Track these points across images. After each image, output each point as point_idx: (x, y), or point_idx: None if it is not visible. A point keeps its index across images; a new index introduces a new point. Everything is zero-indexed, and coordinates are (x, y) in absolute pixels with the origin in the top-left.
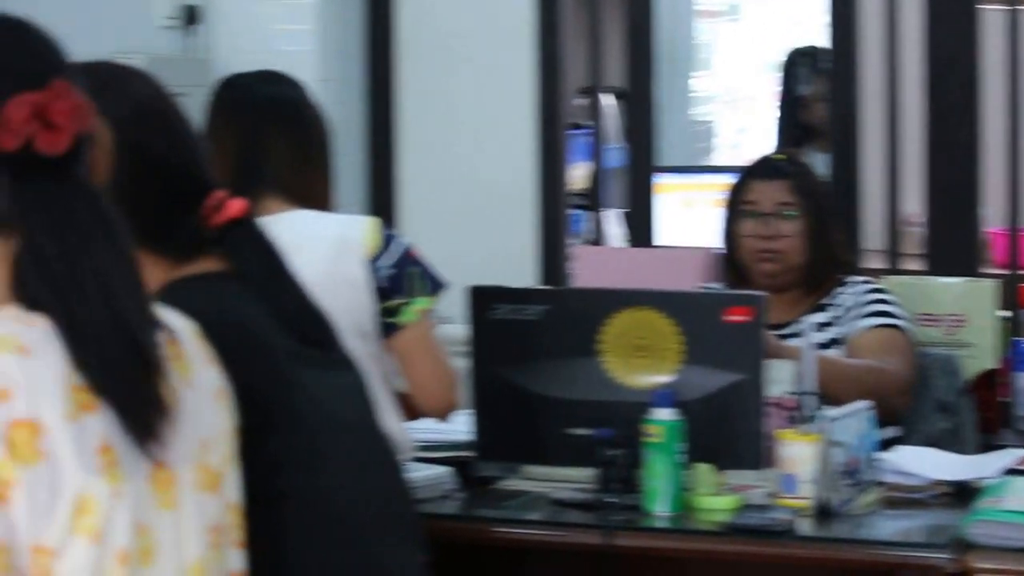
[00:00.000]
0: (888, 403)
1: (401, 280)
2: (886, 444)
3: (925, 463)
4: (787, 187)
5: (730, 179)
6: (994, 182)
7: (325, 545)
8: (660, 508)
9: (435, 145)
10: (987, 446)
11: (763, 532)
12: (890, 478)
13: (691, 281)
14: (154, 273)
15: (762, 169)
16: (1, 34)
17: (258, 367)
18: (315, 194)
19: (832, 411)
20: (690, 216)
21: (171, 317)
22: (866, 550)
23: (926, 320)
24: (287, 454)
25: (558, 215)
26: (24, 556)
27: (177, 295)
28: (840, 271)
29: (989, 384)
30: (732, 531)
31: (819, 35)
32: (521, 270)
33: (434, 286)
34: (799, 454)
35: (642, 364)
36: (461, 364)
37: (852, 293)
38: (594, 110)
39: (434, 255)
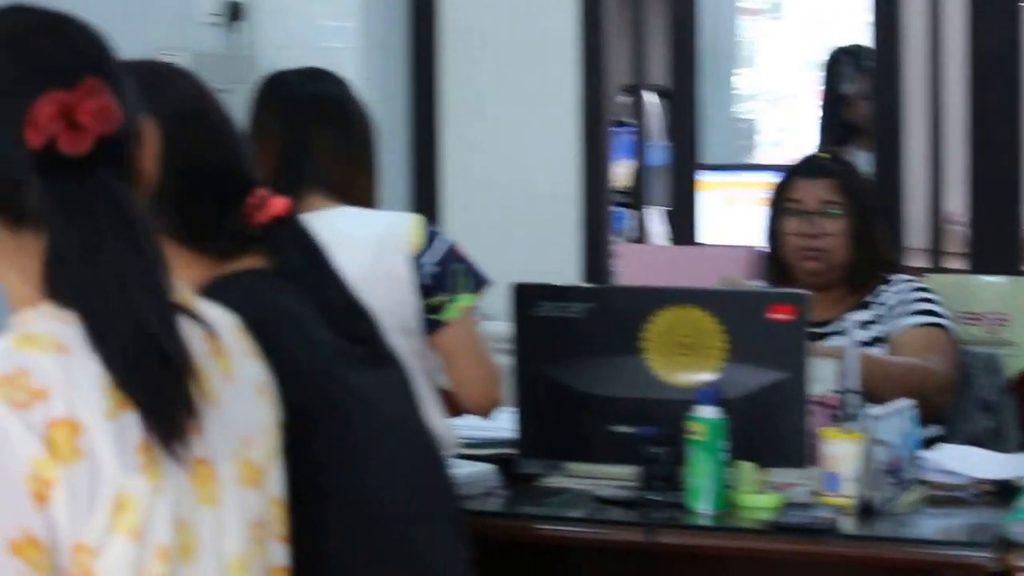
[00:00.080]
0: (931, 401)
1: (445, 277)
2: (928, 443)
3: (967, 462)
4: (832, 186)
5: (772, 177)
6: None
7: (367, 544)
8: (703, 506)
9: (478, 142)
10: None
11: (806, 530)
12: (932, 477)
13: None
14: (198, 271)
15: (807, 167)
16: (40, 30)
17: (302, 363)
18: (359, 191)
19: (875, 409)
20: (732, 214)
21: (211, 311)
22: (908, 549)
23: (968, 319)
24: (330, 453)
25: (601, 213)
26: (65, 555)
27: (220, 290)
28: (883, 269)
29: None
30: (775, 529)
31: (862, 33)
32: (564, 268)
33: (478, 283)
34: (842, 452)
35: (685, 362)
36: (504, 361)
37: (895, 291)
38: (637, 108)
39: (477, 252)
